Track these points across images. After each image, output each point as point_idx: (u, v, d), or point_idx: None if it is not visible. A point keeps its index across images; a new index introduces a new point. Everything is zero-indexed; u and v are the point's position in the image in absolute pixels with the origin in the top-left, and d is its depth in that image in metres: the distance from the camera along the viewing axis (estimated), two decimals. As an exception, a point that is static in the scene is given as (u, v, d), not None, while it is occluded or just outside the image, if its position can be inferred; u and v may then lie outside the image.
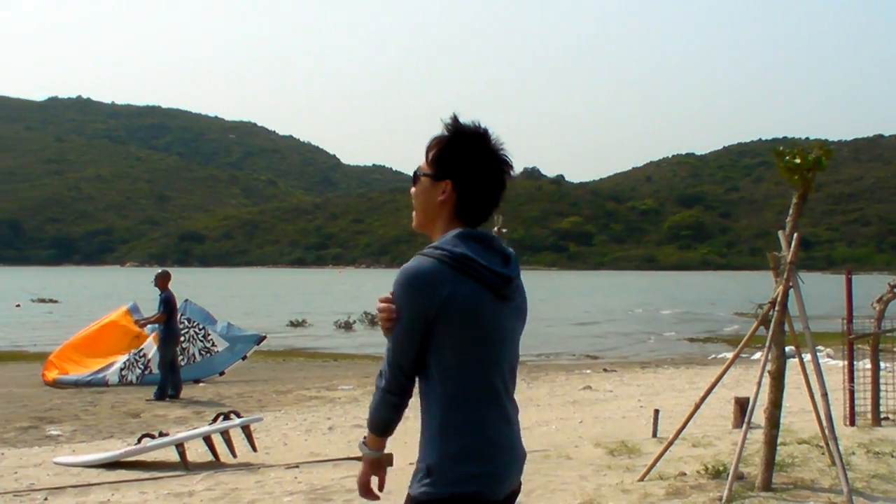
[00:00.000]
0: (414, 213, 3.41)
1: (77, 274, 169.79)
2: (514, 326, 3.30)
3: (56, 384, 20.40)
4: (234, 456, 10.73)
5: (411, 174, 3.36)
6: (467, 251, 3.15)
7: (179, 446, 10.48)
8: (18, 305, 59.62)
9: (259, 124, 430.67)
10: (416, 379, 3.22)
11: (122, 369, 20.26)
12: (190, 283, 58.42)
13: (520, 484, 3.35)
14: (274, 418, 13.87)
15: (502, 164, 3.31)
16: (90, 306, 56.77)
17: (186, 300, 20.36)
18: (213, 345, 20.34)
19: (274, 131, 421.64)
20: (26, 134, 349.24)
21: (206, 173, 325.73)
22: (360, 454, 3.42)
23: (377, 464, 3.42)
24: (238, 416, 11.20)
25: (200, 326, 20.49)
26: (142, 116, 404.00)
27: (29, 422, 14.14)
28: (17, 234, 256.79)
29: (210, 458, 10.71)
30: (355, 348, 32.33)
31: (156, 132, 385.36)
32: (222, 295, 74.25)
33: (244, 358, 21.03)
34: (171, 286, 17.71)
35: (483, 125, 3.31)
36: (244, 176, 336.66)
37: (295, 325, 42.86)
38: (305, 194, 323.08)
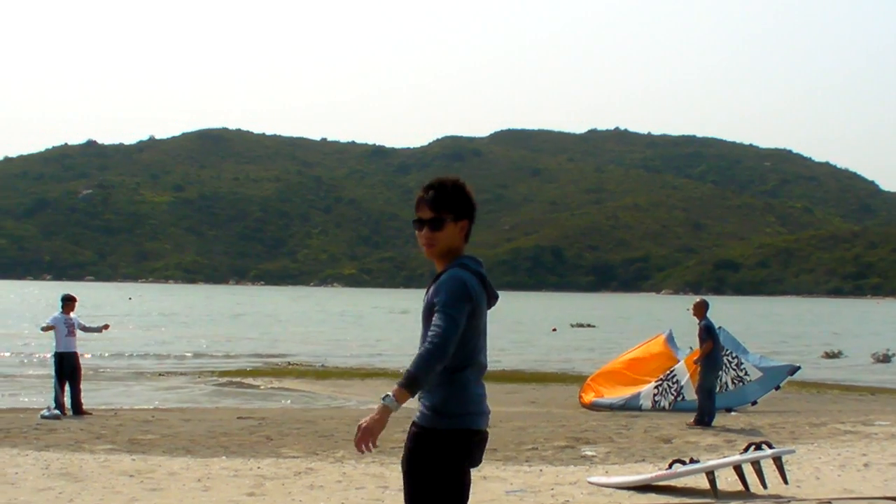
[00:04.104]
0: (431, 246, 5.03)
1: (614, 300, 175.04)
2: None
3: (592, 406, 21.17)
4: (765, 487, 10.54)
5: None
6: (483, 271, 5.05)
7: (710, 474, 10.48)
8: (554, 329, 62.51)
9: (794, 151, 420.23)
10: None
11: (654, 394, 20.62)
12: (723, 312, 58.18)
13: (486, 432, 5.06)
14: (806, 451, 13.46)
15: (474, 202, 5.12)
16: (626, 332, 58.30)
17: (720, 328, 20.26)
18: (745, 374, 20.15)
19: (810, 158, 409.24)
20: (568, 165, 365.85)
21: (740, 201, 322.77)
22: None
23: (386, 419, 4.70)
24: (770, 446, 10.99)
25: (733, 355, 20.36)
26: (677, 146, 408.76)
27: (566, 441, 14.77)
28: (560, 260, 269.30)
29: (740, 487, 10.63)
30: (893, 382, 30.59)
31: (691, 161, 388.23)
32: (756, 324, 73.28)
33: (777, 388, 20.63)
34: (707, 314, 17.84)
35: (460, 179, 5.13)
36: (779, 204, 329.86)
37: (830, 356, 41.40)
38: (843, 222, 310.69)
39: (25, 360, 33.95)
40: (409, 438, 4.95)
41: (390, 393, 4.71)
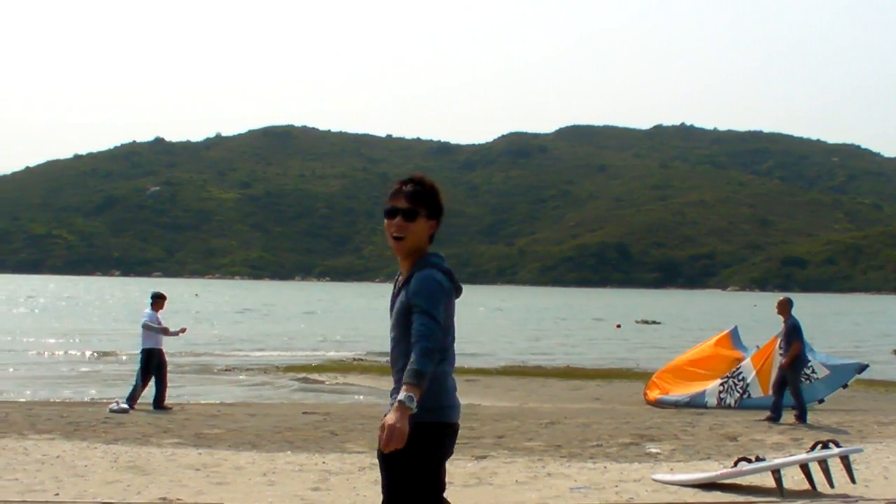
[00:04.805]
0: (402, 240, 5.17)
1: (679, 297, 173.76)
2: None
3: (657, 404, 21.07)
4: (832, 486, 10.43)
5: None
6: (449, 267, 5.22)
7: (776, 472, 10.39)
8: (619, 326, 62.22)
9: (863, 146, 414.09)
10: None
11: (720, 392, 20.47)
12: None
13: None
14: (874, 450, 13.28)
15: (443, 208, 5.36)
16: (692, 329, 57.86)
17: (786, 326, 20.10)
18: (813, 371, 19.89)
19: (878, 153, 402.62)
20: (634, 161, 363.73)
21: (808, 197, 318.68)
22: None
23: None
24: (837, 445, 10.86)
25: (801, 353, 20.13)
26: (744, 142, 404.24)
27: (630, 438, 14.71)
28: (625, 257, 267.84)
29: (806, 486, 10.52)
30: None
31: (757, 157, 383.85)
32: (824, 321, 72.36)
33: (845, 386, 20.37)
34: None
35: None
36: (848, 200, 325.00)
37: (899, 354, 40.81)
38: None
39: (96, 356, 34.50)
40: None
41: (408, 393, 4.82)
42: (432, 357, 4.91)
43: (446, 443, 5.16)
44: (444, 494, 5.23)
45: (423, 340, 4.92)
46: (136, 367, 18.78)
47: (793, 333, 17.43)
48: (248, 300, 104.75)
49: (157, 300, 18.59)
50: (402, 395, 4.81)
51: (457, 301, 5.20)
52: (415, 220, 5.20)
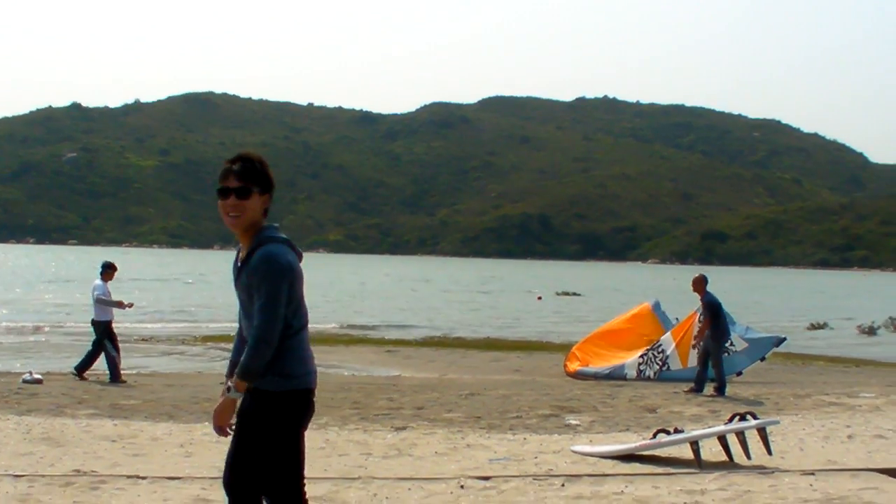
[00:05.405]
0: (238, 218, 5.21)
1: (600, 269, 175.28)
2: None
3: (577, 375, 21.18)
4: (749, 458, 10.53)
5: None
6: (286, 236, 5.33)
7: (694, 444, 10.46)
8: (539, 298, 62.54)
9: (784, 122, 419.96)
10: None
11: (639, 364, 20.64)
12: (711, 283, 58.15)
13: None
14: (790, 422, 13.46)
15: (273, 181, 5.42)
16: (612, 301, 58.38)
17: (706, 299, 20.34)
18: (731, 344, 20.11)
19: (798, 129, 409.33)
20: (556, 133, 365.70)
21: (729, 172, 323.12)
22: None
23: (235, 407, 5.16)
24: (754, 417, 10.96)
25: (720, 326, 20.38)
26: (666, 115, 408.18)
27: (550, 410, 14.75)
28: (547, 229, 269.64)
29: (724, 458, 10.62)
30: (878, 354, 30.71)
31: (680, 131, 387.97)
32: (742, 294, 73.51)
33: (763, 359, 20.65)
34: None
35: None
36: (768, 175, 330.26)
37: (815, 327, 41.59)
38: (831, 194, 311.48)
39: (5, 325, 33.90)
40: (251, 402, 5.18)
41: (231, 384, 5.15)
42: (262, 352, 5.05)
43: (309, 408, 5.31)
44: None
45: (256, 336, 5.07)
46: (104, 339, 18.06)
47: (709, 310, 17.62)
48: (169, 269, 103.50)
49: (108, 270, 18.15)
50: (229, 386, 5.17)
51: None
52: (248, 197, 5.25)
